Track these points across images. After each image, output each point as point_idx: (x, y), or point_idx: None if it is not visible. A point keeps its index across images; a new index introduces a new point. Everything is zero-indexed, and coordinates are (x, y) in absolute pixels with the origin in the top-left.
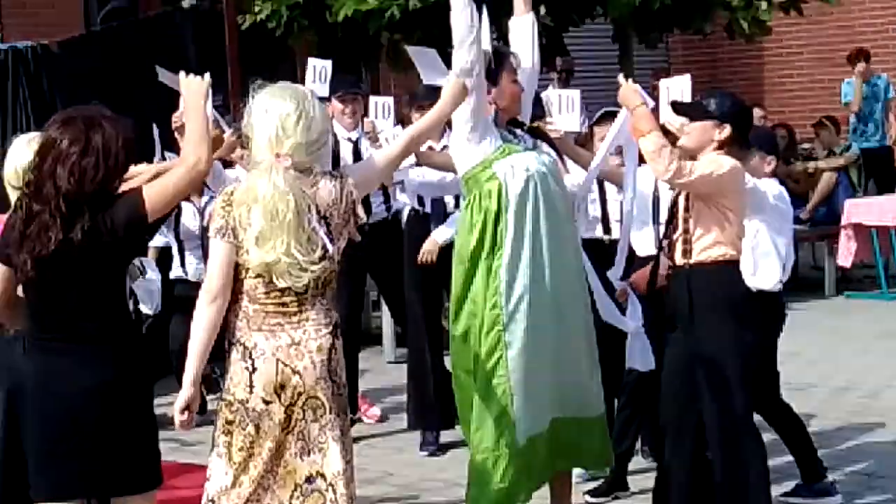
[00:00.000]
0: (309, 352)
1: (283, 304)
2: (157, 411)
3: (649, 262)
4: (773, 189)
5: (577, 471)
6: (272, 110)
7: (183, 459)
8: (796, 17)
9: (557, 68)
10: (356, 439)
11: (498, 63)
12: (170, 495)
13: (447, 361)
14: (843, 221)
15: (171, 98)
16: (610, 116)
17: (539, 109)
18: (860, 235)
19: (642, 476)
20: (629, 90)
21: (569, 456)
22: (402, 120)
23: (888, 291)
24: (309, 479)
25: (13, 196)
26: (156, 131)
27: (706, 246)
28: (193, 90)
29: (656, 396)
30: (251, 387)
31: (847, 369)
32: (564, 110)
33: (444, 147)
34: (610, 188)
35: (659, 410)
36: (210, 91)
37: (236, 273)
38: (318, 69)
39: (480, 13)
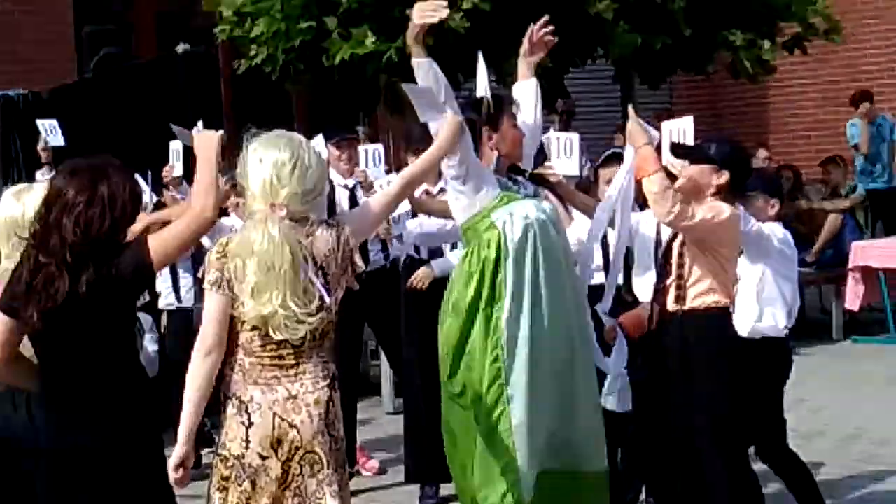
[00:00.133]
0: (306, 405)
1: (280, 357)
2: None
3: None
4: (777, 232)
5: None
6: (266, 159)
7: None
8: (800, 57)
9: (558, 110)
10: (355, 493)
11: (497, 108)
12: None
13: None
14: (851, 264)
15: (162, 144)
16: (616, 158)
17: (540, 155)
18: (868, 278)
19: None
20: (636, 127)
21: None
22: (400, 165)
23: None
24: None
25: (2, 248)
26: (142, 179)
27: (700, 292)
28: (205, 142)
29: (658, 448)
30: (247, 442)
31: (855, 416)
32: (563, 154)
33: (441, 190)
34: (612, 234)
35: (659, 459)
36: (222, 143)
37: (232, 326)
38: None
39: (477, 59)
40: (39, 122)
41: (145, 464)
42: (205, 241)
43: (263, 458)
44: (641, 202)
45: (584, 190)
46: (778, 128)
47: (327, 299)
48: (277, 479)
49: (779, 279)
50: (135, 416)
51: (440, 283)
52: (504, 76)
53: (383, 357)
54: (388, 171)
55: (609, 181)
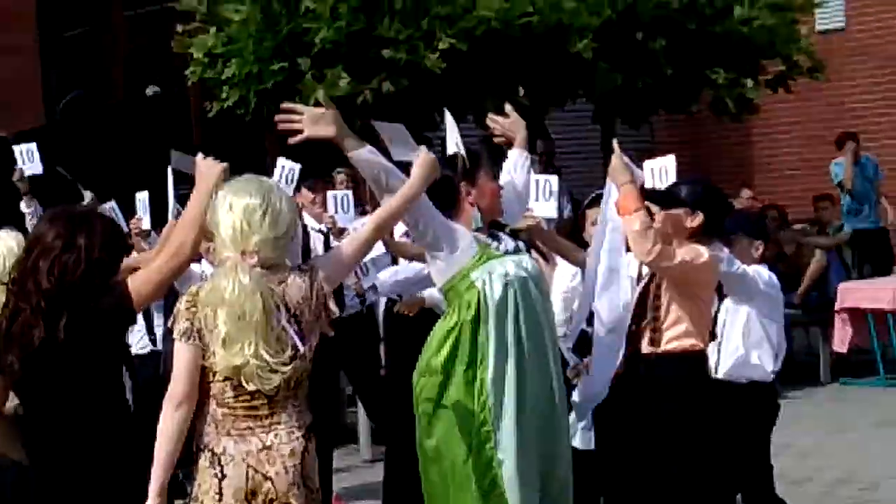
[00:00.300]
0: (281, 456)
1: (254, 408)
2: None
3: None
4: (763, 274)
5: None
6: (237, 205)
7: None
8: (784, 95)
9: (538, 151)
10: None
11: (473, 163)
12: None
13: None
14: (837, 306)
15: (130, 186)
16: (602, 199)
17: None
18: (855, 320)
19: None
20: (619, 164)
21: None
22: (376, 206)
23: (886, 378)
24: None
25: None
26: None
27: (676, 335)
28: (206, 174)
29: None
30: (220, 494)
31: (844, 460)
32: (541, 197)
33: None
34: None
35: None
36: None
37: (203, 376)
38: (287, 170)
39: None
40: (16, 148)
41: None
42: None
43: None
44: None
45: (565, 231)
46: (762, 167)
47: (301, 347)
48: None
49: (765, 322)
50: (119, 462)
51: (425, 326)
52: (481, 116)
53: (360, 404)
54: (364, 213)
55: (595, 222)
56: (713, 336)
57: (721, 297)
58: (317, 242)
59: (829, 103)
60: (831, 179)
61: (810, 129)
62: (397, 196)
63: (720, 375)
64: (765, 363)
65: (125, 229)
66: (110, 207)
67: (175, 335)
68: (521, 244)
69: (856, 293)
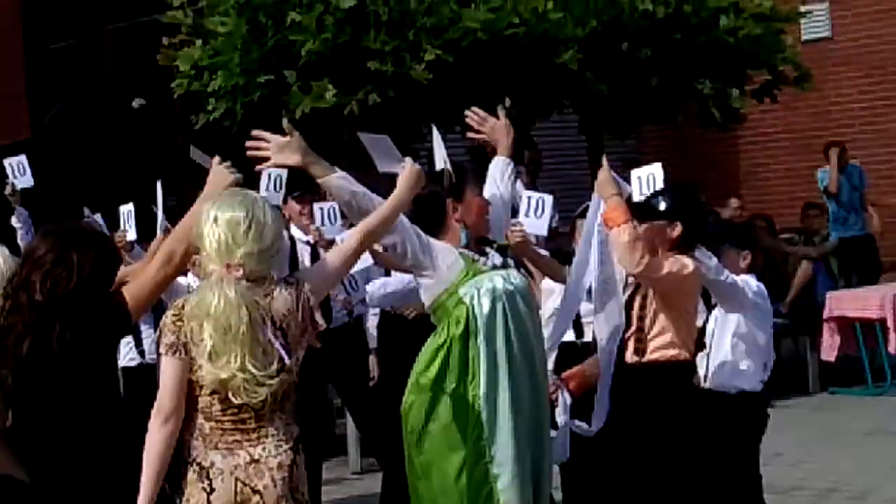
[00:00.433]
0: (269, 469)
1: (241, 421)
2: None
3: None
4: (751, 284)
5: None
6: (221, 218)
7: None
8: (770, 105)
9: (525, 161)
10: None
11: (460, 178)
12: None
13: None
14: (825, 314)
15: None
16: None
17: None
18: (843, 329)
19: None
20: (606, 177)
21: None
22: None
23: (874, 386)
24: None
25: None
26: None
27: (661, 345)
28: (216, 181)
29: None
30: None
31: (833, 469)
32: (533, 213)
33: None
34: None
35: None
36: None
37: (190, 390)
38: (273, 177)
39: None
40: (6, 161)
41: None
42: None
43: None
44: None
45: (552, 240)
46: (749, 176)
47: (287, 360)
48: None
49: (753, 331)
50: (114, 473)
51: (418, 337)
52: (468, 129)
53: (349, 415)
54: (353, 225)
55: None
56: (702, 346)
57: (710, 308)
58: (304, 254)
59: (815, 112)
60: (818, 187)
61: (797, 139)
62: (385, 206)
63: (709, 385)
64: (754, 373)
65: None
66: (94, 220)
67: (161, 349)
68: (509, 260)
69: (843, 302)
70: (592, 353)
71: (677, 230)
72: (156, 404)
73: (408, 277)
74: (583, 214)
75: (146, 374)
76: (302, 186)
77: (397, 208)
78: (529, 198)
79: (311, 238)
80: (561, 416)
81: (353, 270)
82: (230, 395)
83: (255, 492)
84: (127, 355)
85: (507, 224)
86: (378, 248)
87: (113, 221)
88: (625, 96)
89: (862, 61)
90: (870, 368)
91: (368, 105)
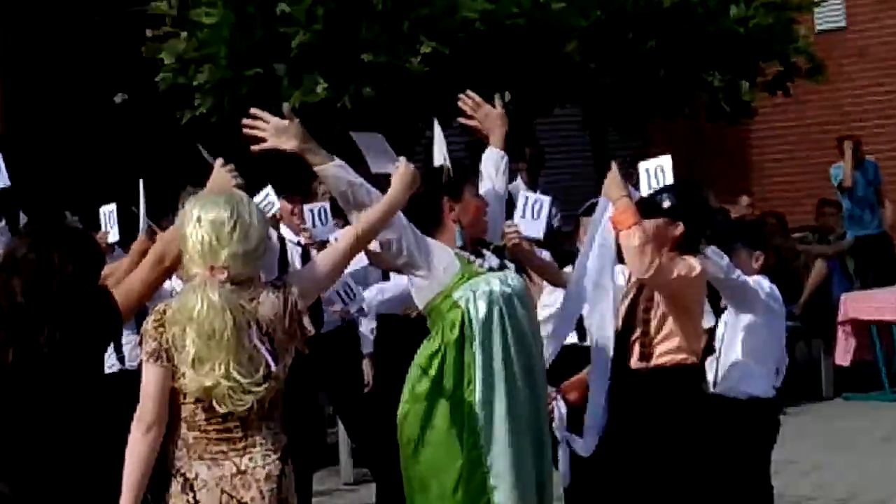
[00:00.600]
0: (256, 481)
1: (227, 430)
2: None
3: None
4: (763, 286)
5: None
6: (205, 219)
7: None
8: (782, 98)
9: (525, 157)
10: None
11: (459, 177)
12: None
13: None
14: (840, 317)
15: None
16: None
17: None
18: (858, 331)
19: None
20: (614, 180)
21: None
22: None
23: (891, 391)
24: None
25: None
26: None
27: (668, 350)
28: (216, 182)
29: None
30: None
31: (848, 479)
32: (529, 215)
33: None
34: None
35: None
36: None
37: (173, 398)
38: (266, 201)
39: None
40: None
41: None
42: None
43: None
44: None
45: (555, 242)
46: (760, 172)
47: (274, 367)
48: None
49: (766, 335)
50: (96, 490)
51: (417, 339)
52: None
53: (341, 424)
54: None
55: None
56: (711, 350)
57: (719, 312)
58: (294, 255)
59: (829, 106)
60: (831, 183)
61: (810, 133)
62: (377, 207)
63: (718, 390)
64: (765, 378)
65: None
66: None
67: (143, 356)
68: (506, 262)
69: (859, 303)
70: None
71: (678, 230)
72: (137, 413)
73: (404, 283)
74: (587, 212)
75: (127, 382)
76: (292, 185)
77: (391, 210)
78: (527, 198)
79: (301, 239)
80: (558, 431)
81: (347, 271)
82: (215, 403)
83: None
84: (107, 362)
85: (501, 221)
86: (373, 246)
87: (94, 222)
88: (630, 89)
89: (878, 53)
90: (886, 373)
91: (362, 99)
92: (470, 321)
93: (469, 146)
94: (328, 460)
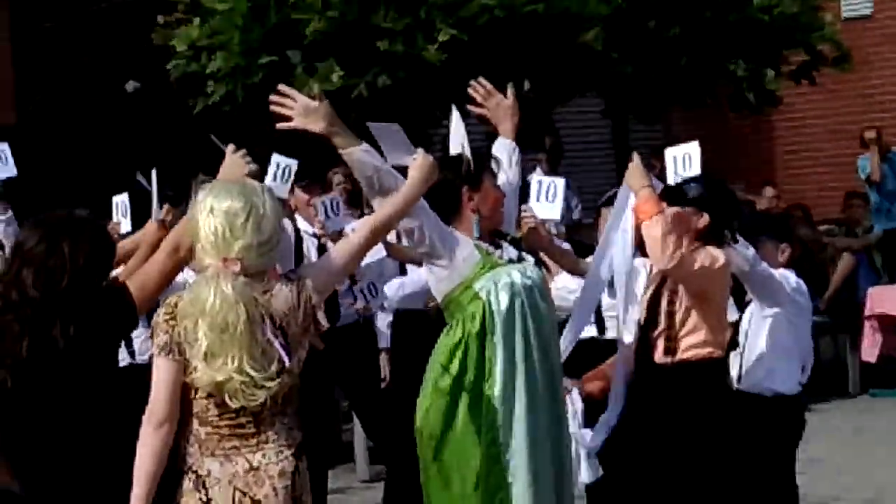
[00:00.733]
0: (270, 477)
1: (239, 426)
2: None
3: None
4: (790, 280)
5: None
6: (218, 209)
7: None
8: (808, 87)
9: (545, 147)
10: None
11: (479, 167)
12: None
13: None
14: (867, 311)
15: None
16: None
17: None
18: (886, 326)
19: None
20: (636, 170)
21: None
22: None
23: None
24: None
25: None
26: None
27: (693, 344)
28: (228, 170)
29: None
30: None
31: (875, 478)
32: (544, 198)
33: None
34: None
35: None
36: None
37: (185, 393)
38: (282, 167)
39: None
40: None
41: None
42: None
43: None
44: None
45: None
46: (785, 163)
47: (287, 361)
48: None
49: (792, 330)
50: (108, 488)
51: (435, 333)
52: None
53: (357, 420)
54: (363, 216)
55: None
56: (735, 345)
57: (744, 306)
58: (311, 247)
59: (855, 95)
60: (858, 176)
61: (836, 123)
62: (394, 199)
63: (742, 386)
64: (791, 374)
65: None
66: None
67: (154, 350)
68: (524, 253)
69: (886, 298)
70: (616, 351)
71: (703, 221)
72: (148, 409)
73: (424, 278)
74: (608, 202)
75: (137, 376)
76: (309, 175)
77: (408, 202)
78: (541, 182)
79: (316, 228)
80: (573, 426)
81: (364, 263)
82: (227, 398)
83: (254, 502)
84: None
85: (515, 212)
86: (391, 237)
87: (105, 212)
88: (652, 78)
89: None
90: None
91: (377, 87)
92: (491, 313)
93: (489, 135)
94: (344, 457)
